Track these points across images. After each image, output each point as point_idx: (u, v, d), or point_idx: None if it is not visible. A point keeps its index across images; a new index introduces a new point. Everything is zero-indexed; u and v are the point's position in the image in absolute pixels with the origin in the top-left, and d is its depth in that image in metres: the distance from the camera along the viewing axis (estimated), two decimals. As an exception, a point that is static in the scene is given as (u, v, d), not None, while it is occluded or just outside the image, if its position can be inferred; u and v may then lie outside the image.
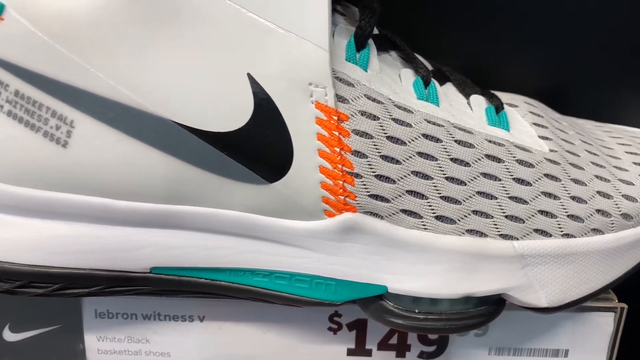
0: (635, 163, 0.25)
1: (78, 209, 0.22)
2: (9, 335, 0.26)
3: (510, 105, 0.25)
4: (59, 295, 0.23)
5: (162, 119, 0.21)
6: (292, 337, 0.26)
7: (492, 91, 0.27)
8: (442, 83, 0.24)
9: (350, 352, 0.26)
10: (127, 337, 0.26)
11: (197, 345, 0.26)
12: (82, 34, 0.20)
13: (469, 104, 0.24)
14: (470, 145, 0.22)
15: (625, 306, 0.26)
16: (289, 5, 0.21)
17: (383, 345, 0.26)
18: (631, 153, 0.26)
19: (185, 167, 0.21)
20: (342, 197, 0.21)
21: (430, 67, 0.26)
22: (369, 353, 0.26)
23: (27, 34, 0.20)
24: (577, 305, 0.24)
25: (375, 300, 0.23)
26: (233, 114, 0.21)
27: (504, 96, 0.26)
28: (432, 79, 0.23)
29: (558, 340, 0.26)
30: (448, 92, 0.24)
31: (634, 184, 0.24)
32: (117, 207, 0.22)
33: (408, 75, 0.23)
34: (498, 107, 0.24)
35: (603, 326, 0.26)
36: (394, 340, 0.26)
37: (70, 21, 0.20)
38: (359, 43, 0.22)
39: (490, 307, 0.23)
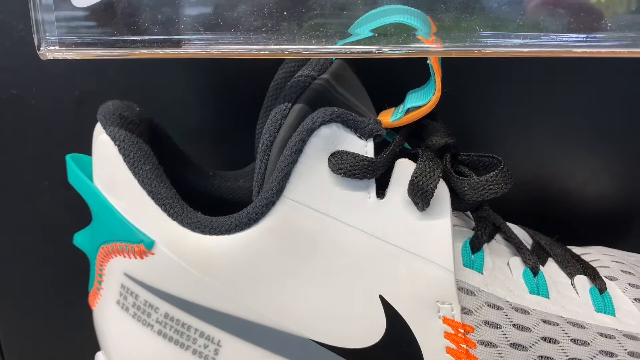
0: None
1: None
2: None
3: (610, 278, 0.26)
4: None
5: (302, 338, 0.23)
6: None
7: (577, 250, 0.29)
8: (544, 261, 0.26)
9: None
10: None
11: None
12: (228, 268, 0.22)
13: (573, 285, 0.25)
14: (585, 343, 0.23)
15: None
16: (415, 230, 0.22)
17: None
18: None
19: (324, 377, 0.23)
20: (471, 403, 0.23)
21: (529, 239, 0.27)
22: None
23: (176, 267, 0.23)
24: None
25: None
26: (367, 332, 0.23)
27: (595, 256, 0.28)
28: (540, 266, 0.25)
29: None
30: (552, 273, 0.26)
31: None
32: (259, 411, 0.24)
33: (517, 265, 0.25)
34: (602, 288, 0.25)
35: None
36: None
37: (217, 257, 0.22)
38: (475, 248, 0.24)
39: None
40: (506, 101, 0.34)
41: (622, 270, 0.27)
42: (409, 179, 0.22)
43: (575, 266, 0.26)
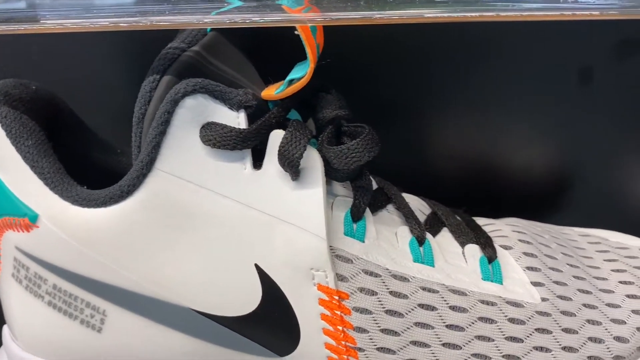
0: (621, 282, 0.26)
1: (113, 380, 0.25)
2: None
3: (505, 247, 0.26)
4: None
5: (182, 307, 0.23)
6: None
7: (481, 221, 0.29)
8: (437, 231, 0.26)
9: None
10: None
11: None
12: (106, 240, 0.23)
13: (463, 254, 0.25)
14: (464, 310, 0.24)
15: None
16: (289, 200, 0.23)
17: None
18: (616, 271, 0.27)
19: (205, 345, 0.24)
20: (347, 369, 0.23)
21: (427, 210, 0.27)
22: None
23: (59, 240, 0.23)
24: None
25: None
26: (244, 300, 0.23)
27: (497, 227, 0.28)
28: (427, 234, 0.25)
29: None
30: (443, 242, 0.26)
31: (625, 322, 0.25)
32: (148, 378, 0.25)
33: (404, 234, 0.25)
34: (491, 257, 0.25)
35: None
36: None
37: (95, 230, 0.23)
38: (355, 217, 0.24)
39: None
40: (433, 74, 0.34)
41: (519, 240, 0.27)
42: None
43: (468, 235, 0.26)
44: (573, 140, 0.35)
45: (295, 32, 0.22)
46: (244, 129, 0.22)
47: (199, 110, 0.22)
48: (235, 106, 0.22)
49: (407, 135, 0.35)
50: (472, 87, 0.34)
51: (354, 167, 0.22)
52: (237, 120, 0.22)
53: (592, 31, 0.33)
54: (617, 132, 0.34)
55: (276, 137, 0.23)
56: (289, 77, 0.24)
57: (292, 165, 0.22)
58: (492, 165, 0.36)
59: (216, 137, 0.22)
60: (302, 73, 0.23)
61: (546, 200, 0.36)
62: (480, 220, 0.29)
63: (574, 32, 0.33)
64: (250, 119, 0.23)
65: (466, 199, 0.31)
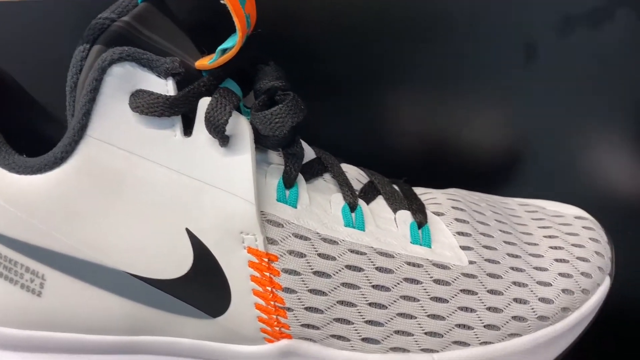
0: (551, 247, 0.27)
1: (53, 343, 0.25)
2: None
3: (437, 213, 0.27)
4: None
5: (118, 271, 0.24)
6: None
7: (419, 190, 0.29)
8: (372, 198, 0.27)
9: None
10: None
11: None
12: (42, 206, 0.24)
13: (395, 220, 0.26)
14: (390, 271, 0.24)
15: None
16: (218, 165, 0.23)
17: None
18: (549, 237, 0.28)
19: (141, 307, 0.24)
20: (277, 328, 0.24)
21: (365, 179, 0.28)
22: None
23: (-3, 206, 0.24)
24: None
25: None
26: (176, 264, 0.24)
27: (433, 195, 0.29)
28: (360, 200, 0.26)
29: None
30: (377, 208, 0.26)
31: (551, 284, 0.26)
32: (87, 340, 0.25)
33: (338, 201, 0.26)
34: (421, 222, 0.26)
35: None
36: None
37: (31, 196, 0.23)
38: (287, 184, 0.25)
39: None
40: (383, 49, 0.35)
41: (452, 207, 0.28)
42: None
43: (402, 203, 0.27)
44: (520, 115, 0.36)
45: (222, 2, 0.23)
46: (171, 96, 0.23)
47: (127, 77, 0.22)
48: (162, 74, 0.23)
49: (357, 110, 0.36)
50: (421, 63, 0.34)
51: (279, 133, 0.23)
52: (166, 87, 0.23)
53: (537, 6, 0.33)
54: (563, 107, 0.35)
55: (204, 104, 0.23)
56: (221, 47, 0.25)
57: (218, 131, 0.23)
58: (441, 140, 0.36)
59: (144, 104, 0.22)
60: (233, 43, 0.24)
61: (494, 173, 0.37)
62: (418, 190, 0.29)
63: (518, 7, 0.34)
64: (182, 88, 0.24)
65: (417, 174, 0.32)
